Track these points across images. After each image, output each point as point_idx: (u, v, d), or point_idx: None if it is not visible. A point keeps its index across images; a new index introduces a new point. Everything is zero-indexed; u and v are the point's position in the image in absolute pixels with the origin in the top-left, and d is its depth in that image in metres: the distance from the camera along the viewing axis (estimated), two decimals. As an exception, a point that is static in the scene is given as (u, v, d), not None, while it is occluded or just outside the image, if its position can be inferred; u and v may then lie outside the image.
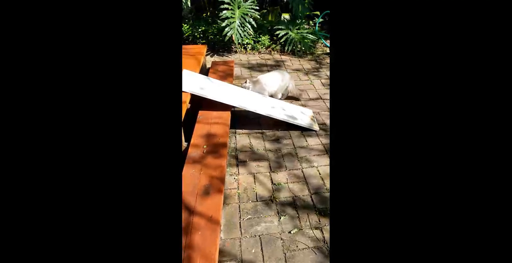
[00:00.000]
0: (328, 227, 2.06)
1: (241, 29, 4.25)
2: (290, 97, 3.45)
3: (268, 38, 4.71)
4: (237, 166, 2.52)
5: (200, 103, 2.81)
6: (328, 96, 3.59)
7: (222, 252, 1.84)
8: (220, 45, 4.65)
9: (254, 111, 2.76)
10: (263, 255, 1.83)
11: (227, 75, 3.39)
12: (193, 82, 2.79)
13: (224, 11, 4.17)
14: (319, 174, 2.43)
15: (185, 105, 2.55)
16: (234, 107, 2.80)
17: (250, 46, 4.67)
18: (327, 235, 2.00)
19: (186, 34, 4.61)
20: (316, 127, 2.93)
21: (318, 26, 5.07)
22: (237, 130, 2.93)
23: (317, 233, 1.96)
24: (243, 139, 2.83)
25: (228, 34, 4.15)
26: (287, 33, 4.54)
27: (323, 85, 3.77)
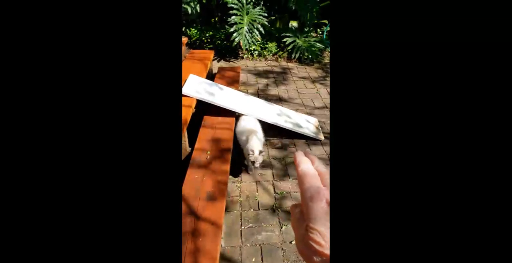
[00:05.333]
0: (330, 239, 2.04)
1: (249, 35, 4.26)
2: (294, 105, 3.44)
3: (275, 45, 4.72)
4: (240, 173, 2.50)
5: (205, 108, 2.81)
6: (333, 105, 3.58)
7: (222, 260, 1.82)
8: (227, 50, 4.66)
9: (260, 118, 2.75)
10: (263, 265, 1.81)
11: (233, 81, 3.39)
12: (201, 88, 2.79)
13: (233, 17, 4.18)
14: (323, 183, 2.41)
15: (191, 110, 2.54)
16: (239, 113, 2.79)
17: (257, 52, 4.68)
18: (329, 247, 1.97)
19: (194, 38, 4.63)
20: (321, 136, 2.91)
21: (326, 35, 5.08)
22: (241, 136, 2.92)
23: (319, 244, 1.94)
24: (247, 145, 2.82)
25: (236, 39, 4.16)
26: (294, 41, 4.55)
27: (329, 94, 3.76)
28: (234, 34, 4.16)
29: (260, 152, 2.32)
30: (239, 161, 2.53)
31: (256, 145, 2.37)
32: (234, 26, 4.17)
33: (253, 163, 2.33)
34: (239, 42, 4.21)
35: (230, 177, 2.42)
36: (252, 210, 2.18)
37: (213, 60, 4.31)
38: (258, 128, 2.67)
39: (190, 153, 2.34)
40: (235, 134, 2.63)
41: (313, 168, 0.38)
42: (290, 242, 1.95)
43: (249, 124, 2.64)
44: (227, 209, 2.15)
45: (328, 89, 3.86)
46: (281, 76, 4.16)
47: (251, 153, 2.31)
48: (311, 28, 4.86)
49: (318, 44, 4.60)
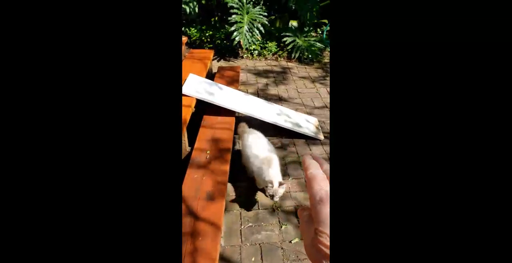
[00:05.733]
0: (330, 238, 2.04)
1: (249, 35, 4.25)
2: (294, 105, 3.43)
3: (275, 45, 4.72)
4: (240, 172, 2.50)
5: (205, 108, 2.81)
6: (333, 105, 3.58)
7: (221, 260, 1.82)
8: (227, 50, 4.65)
9: (260, 118, 2.75)
10: (263, 265, 1.81)
11: (233, 81, 3.39)
12: (200, 88, 2.79)
13: (233, 16, 4.18)
14: (322, 183, 2.40)
15: (190, 110, 2.54)
16: (238, 113, 2.78)
17: (257, 52, 4.68)
18: (328, 246, 1.97)
19: (194, 38, 4.63)
20: (321, 136, 2.91)
21: (326, 34, 5.08)
22: (241, 136, 2.92)
23: (319, 244, 1.94)
24: (247, 145, 2.81)
25: (236, 38, 4.16)
26: (294, 40, 4.55)
27: (329, 93, 3.76)
28: (235, 33, 4.16)
29: (280, 184, 1.93)
30: (239, 162, 2.52)
31: (274, 176, 1.98)
32: (235, 25, 4.17)
33: (272, 196, 1.96)
34: (239, 41, 4.20)
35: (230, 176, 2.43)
36: (252, 209, 2.18)
37: (213, 59, 4.30)
38: (269, 147, 2.29)
39: (190, 153, 2.33)
40: (244, 157, 2.33)
41: (322, 172, 0.38)
42: (290, 241, 1.95)
43: (263, 150, 2.24)
44: (226, 209, 2.15)
45: (328, 89, 3.85)
46: (281, 76, 4.16)
47: (269, 185, 1.93)
48: (311, 28, 4.86)
49: (318, 44, 4.60)
